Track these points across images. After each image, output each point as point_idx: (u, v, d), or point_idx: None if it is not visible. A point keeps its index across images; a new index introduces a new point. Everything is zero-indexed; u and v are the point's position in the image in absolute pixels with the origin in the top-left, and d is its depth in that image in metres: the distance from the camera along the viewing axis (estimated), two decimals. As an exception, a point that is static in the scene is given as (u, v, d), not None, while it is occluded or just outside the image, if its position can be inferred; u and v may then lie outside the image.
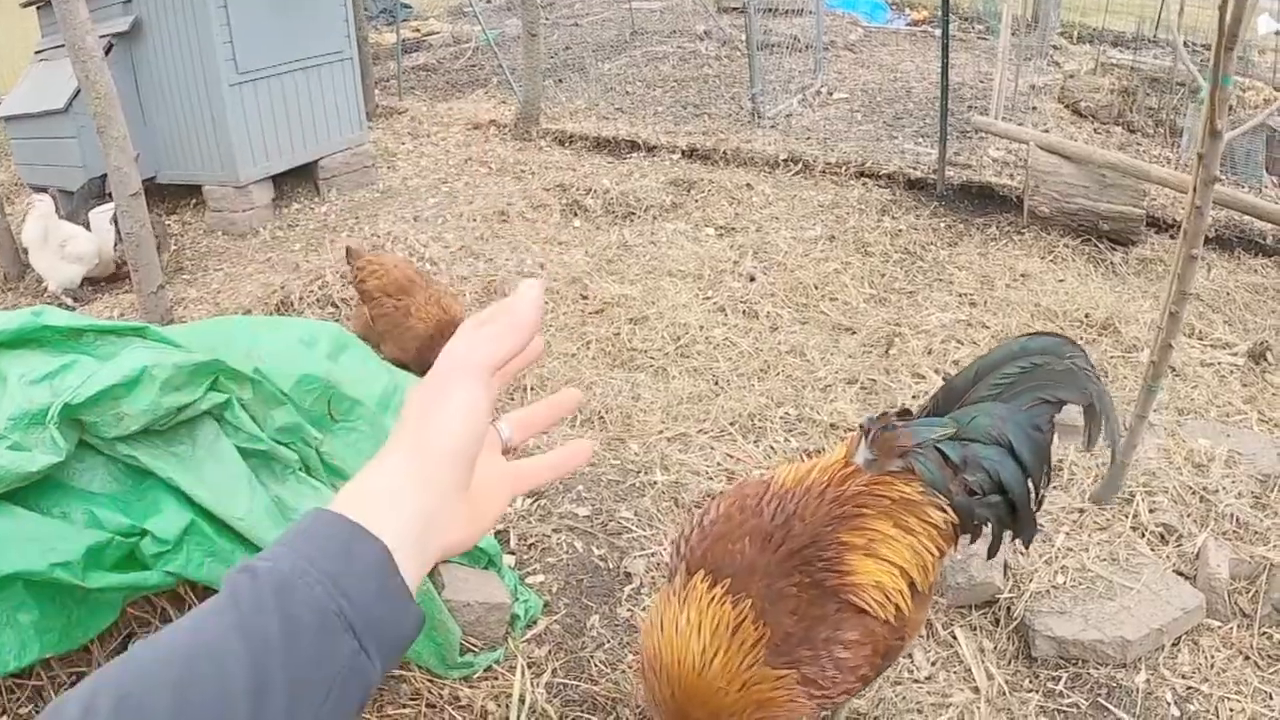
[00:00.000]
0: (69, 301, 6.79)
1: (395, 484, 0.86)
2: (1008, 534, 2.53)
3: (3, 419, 2.39)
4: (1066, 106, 9.77)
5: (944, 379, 2.51)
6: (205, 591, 2.58)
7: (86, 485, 2.49)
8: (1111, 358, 5.07)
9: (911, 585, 2.35)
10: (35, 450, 2.34)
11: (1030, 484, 2.43)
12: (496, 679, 3.07)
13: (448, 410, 0.88)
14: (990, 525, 2.47)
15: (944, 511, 2.37)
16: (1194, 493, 3.77)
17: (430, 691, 2.96)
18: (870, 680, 2.41)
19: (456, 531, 0.91)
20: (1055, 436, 2.53)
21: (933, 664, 3.17)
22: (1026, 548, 2.60)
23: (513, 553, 3.68)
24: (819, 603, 2.27)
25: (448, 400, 0.89)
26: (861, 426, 2.47)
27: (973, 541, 2.48)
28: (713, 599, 2.21)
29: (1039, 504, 2.49)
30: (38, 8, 8.69)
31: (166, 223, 7.80)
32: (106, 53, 6.82)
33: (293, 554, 0.78)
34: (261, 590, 0.75)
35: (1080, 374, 2.48)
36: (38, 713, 2.18)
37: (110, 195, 6.20)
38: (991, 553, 2.57)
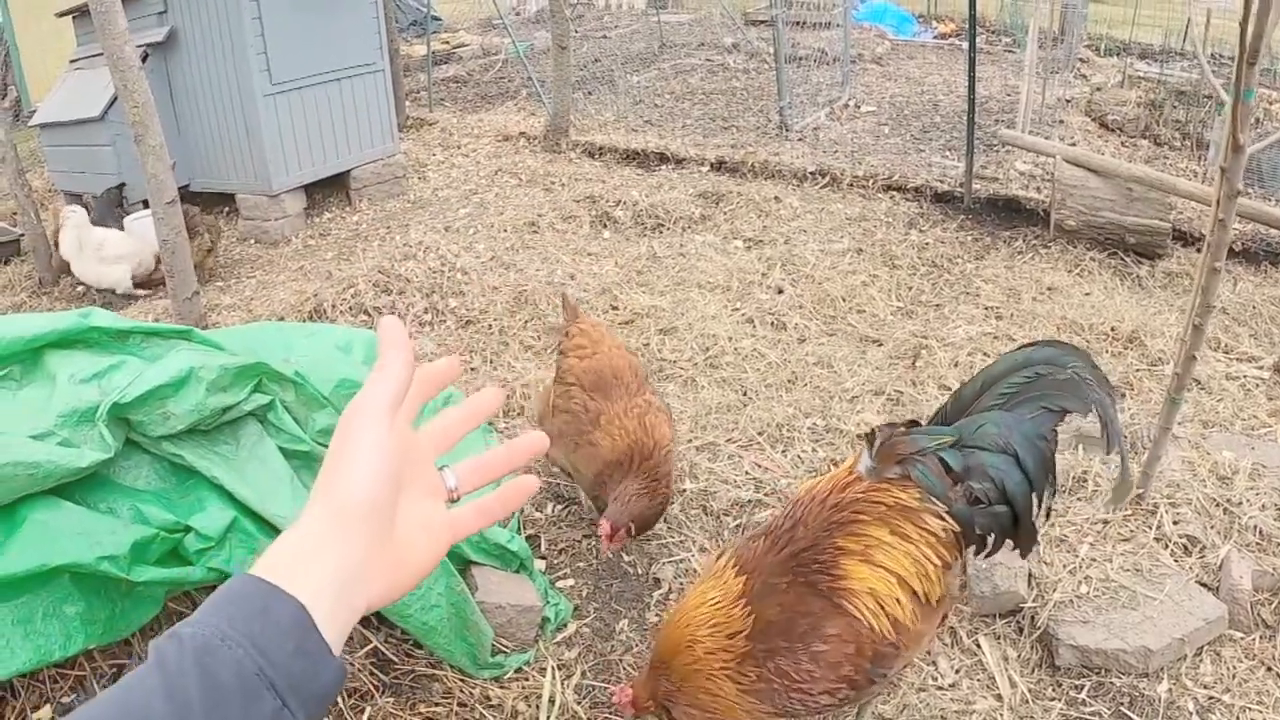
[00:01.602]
0: (138, 293, 7.08)
1: (311, 542, 0.87)
2: (1009, 544, 2.52)
3: (53, 416, 2.47)
4: (1093, 119, 9.79)
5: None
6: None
7: (133, 482, 2.56)
8: (1137, 371, 5.08)
9: (914, 596, 2.38)
10: (84, 447, 2.42)
11: (1034, 495, 2.44)
12: (527, 680, 3.13)
13: (354, 460, 0.89)
14: (992, 535, 2.47)
15: (942, 519, 2.39)
16: (1217, 504, 3.79)
17: (462, 691, 3.01)
18: (859, 684, 2.44)
19: (380, 582, 0.90)
20: (1057, 446, 2.52)
21: (957, 672, 3.21)
22: (1024, 557, 2.63)
23: (544, 557, 3.74)
24: (805, 599, 2.35)
25: (353, 450, 0.89)
26: (867, 436, 2.52)
27: (978, 553, 2.49)
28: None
29: (1046, 514, 2.50)
30: (73, 17, 8.82)
31: (219, 224, 7.92)
32: (143, 62, 6.93)
33: (215, 617, 0.80)
34: (184, 654, 0.77)
35: (1082, 383, 2.48)
36: (80, 702, 2.25)
37: (141, 203, 6.33)
38: (987, 555, 2.59)
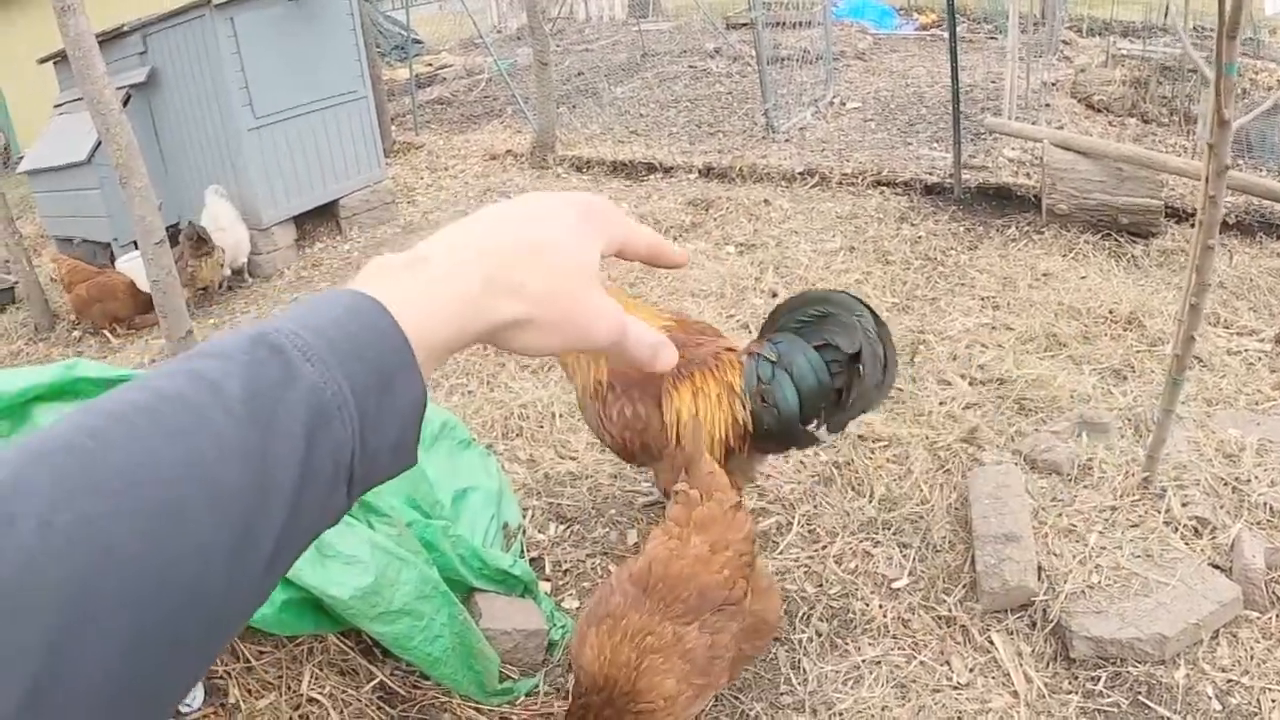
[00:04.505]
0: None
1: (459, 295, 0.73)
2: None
3: (41, 473, 2.44)
4: (1080, 101, 9.77)
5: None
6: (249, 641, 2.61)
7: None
8: (1138, 352, 5.05)
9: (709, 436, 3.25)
10: (74, 502, 2.38)
11: (800, 410, 3.21)
12: (536, 704, 3.10)
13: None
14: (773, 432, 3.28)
15: (744, 410, 3.26)
16: (1226, 484, 3.75)
17: (472, 719, 2.99)
18: (632, 452, 3.44)
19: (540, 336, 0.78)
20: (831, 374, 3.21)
21: (971, 670, 3.17)
22: (800, 448, 3.69)
23: (548, 579, 3.71)
24: (650, 382, 3.34)
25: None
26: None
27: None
28: None
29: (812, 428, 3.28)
30: (55, 63, 8.83)
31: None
32: (125, 104, 6.92)
33: (336, 369, 0.63)
34: (293, 409, 0.60)
35: (860, 329, 3.09)
36: None
37: (132, 244, 6.33)
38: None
